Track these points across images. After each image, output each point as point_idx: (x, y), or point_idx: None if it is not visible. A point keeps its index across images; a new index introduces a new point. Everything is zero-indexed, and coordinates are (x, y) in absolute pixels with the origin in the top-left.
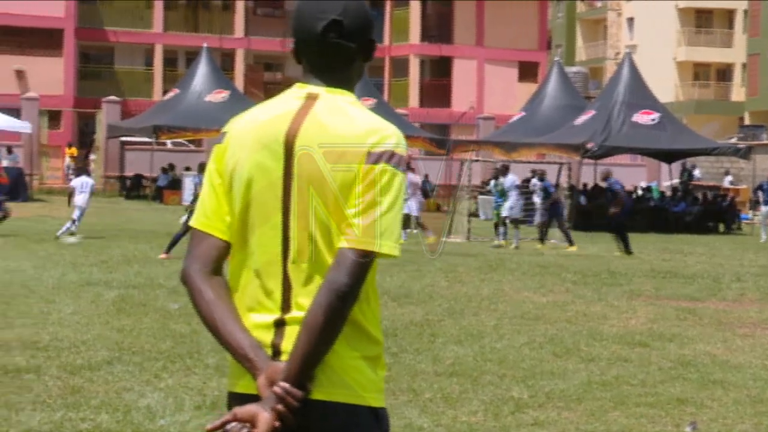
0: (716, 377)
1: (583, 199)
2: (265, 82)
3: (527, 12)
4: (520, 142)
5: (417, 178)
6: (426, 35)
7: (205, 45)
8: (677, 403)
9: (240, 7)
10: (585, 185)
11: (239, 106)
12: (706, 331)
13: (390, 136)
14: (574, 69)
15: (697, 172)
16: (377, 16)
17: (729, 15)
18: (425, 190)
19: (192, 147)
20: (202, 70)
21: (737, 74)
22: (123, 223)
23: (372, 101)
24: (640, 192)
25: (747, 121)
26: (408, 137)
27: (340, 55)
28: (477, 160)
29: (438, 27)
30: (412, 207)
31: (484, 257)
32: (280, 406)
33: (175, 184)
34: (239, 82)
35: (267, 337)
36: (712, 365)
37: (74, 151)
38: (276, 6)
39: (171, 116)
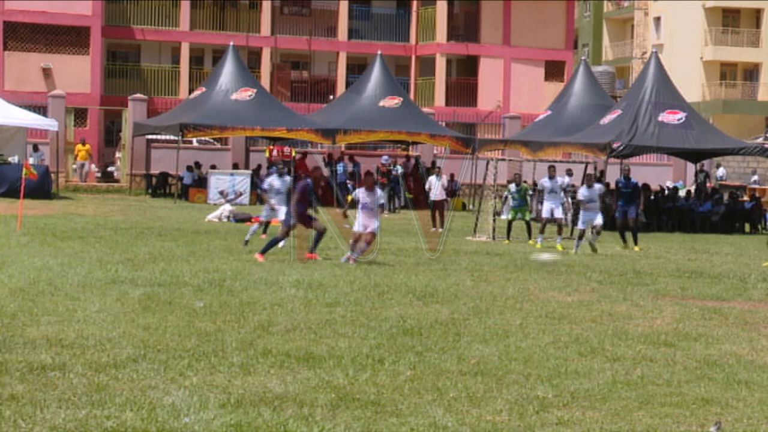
0: (741, 377)
1: (608, 199)
2: (292, 80)
3: (554, 11)
4: (546, 142)
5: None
6: (453, 34)
7: (231, 43)
8: (702, 403)
9: (267, 6)
10: (608, 184)
11: (265, 105)
12: (732, 331)
13: None
14: (600, 68)
15: (721, 172)
16: (404, 15)
17: (756, 14)
18: (452, 189)
19: (218, 145)
20: (228, 69)
21: (764, 74)
22: (149, 221)
23: (398, 100)
24: (666, 191)
25: None
26: (434, 136)
27: None
28: (503, 159)
29: (465, 26)
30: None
31: (510, 256)
32: None
33: (201, 182)
34: (266, 80)
35: None
36: (738, 365)
37: (88, 147)
38: (303, 5)
39: (197, 114)
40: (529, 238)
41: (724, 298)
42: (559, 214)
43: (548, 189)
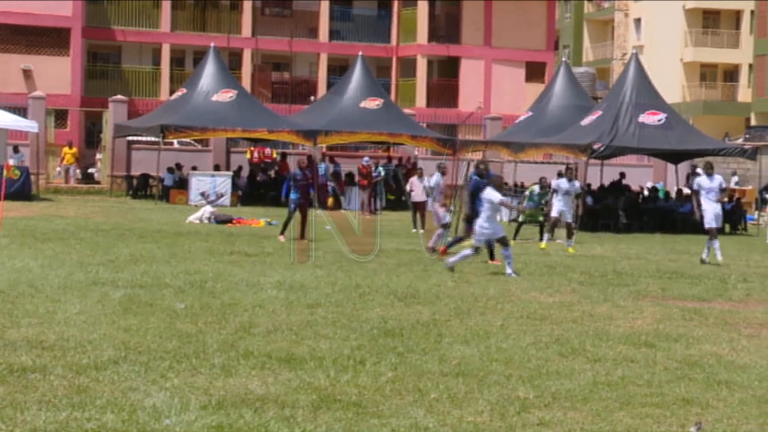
0: (722, 377)
1: (590, 200)
2: (273, 82)
3: (535, 12)
4: (527, 143)
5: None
6: (434, 35)
7: (212, 45)
8: (683, 403)
9: (248, 7)
10: (589, 185)
11: (246, 106)
12: (712, 332)
13: None
14: (581, 69)
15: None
16: (385, 16)
17: (736, 16)
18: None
19: (199, 147)
20: (209, 70)
21: (744, 75)
22: (130, 222)
23: (379, 101)
24: (647, 192)
25: (753, 122)
26: (415, 137)
27: None
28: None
29: (446, 27)
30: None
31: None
32: None
33: (182, 184)
34: (247, 82)
35: None
36: (718, 365)
37: (75, 151)
38: (284, 6)
39: (178, 116)
40: (541, 239)
41: (705, 298)
42: (568, 217)
43: (563, 191)
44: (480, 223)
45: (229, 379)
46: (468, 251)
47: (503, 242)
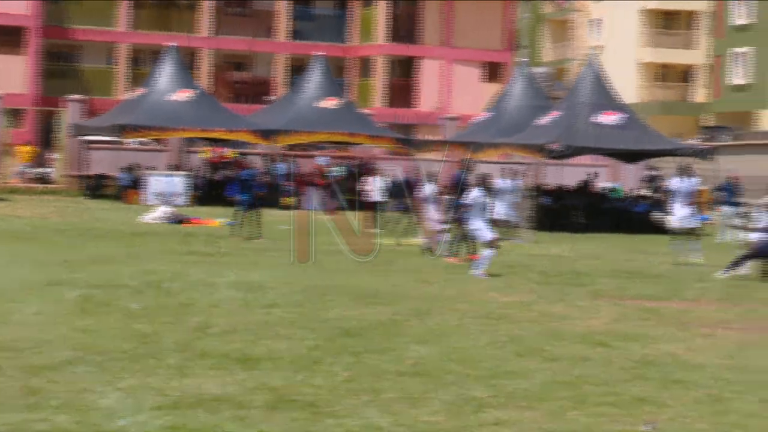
0: (677, 377)
1: (547, 200)
2: (233, 81)
3: (494, 13)
4: (485, 143)
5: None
6: (393, 35)
7: (171, 44)
8: (638, 402)
9: (208, 7)
10: (539, 186)
11: (205, 106)
12: (668, 331)
13: None
14: (539, 70)
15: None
16: (344, 15)
17: (693, 17)
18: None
19: (157, 146)
20: (167, 69)
21: (700, 76)
22: (86, 222)
23: (338, 101)
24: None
25: (709, 123)
26: (373, 137)
27: None
28: (442, 161)
29: (405, 27)
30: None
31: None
32: None
33: (138, 184)
34: (206, 81)
35: None
36: (673, 365)
37: (31, 149)
38: (244, 5)
39: (136, 115)
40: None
41: (661, 298)
42: (510, 216)
43: (502, 191)
44: (474, 226)
45: (185, 380)
46: (487, 253)
47: (491, 244)
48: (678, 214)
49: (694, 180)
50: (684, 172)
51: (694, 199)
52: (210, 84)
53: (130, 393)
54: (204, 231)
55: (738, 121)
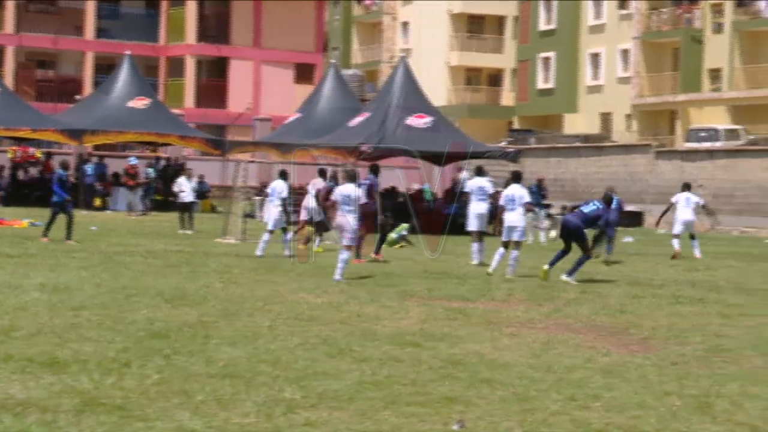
0: (484, 376)
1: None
2: (38, 79)
3: (304, 14)
4: (296, 144)
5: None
6: (203, 35)
7: None
8: (446, 401)
9: (11, 3)
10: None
11: (9, 104)
12: (476, 331)
13: None
14: (350, 71)
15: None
16: (153, 15)
17: (500, 21)
18: (202, 191)
19: None
20: None
21: (507, 79)
22: None
23: (147, 101)
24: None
25: (516, 126)
26: (184, 138)
27: None
28: (252, 162)
29: (215, 27)
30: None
31: (260, 259)
32: None
33: None
34: (9, 79)
35: None
36: (480, 364)
37: None
38: (50, 2)
39: None
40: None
41: (469, 298)
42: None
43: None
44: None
45: None
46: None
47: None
48: (472, 214)
49: (482, 179)
50: (479, 172)
51: (492, 200)
52: (13, 82)
53: None
54: (9, 232)
55: (545, 125)
